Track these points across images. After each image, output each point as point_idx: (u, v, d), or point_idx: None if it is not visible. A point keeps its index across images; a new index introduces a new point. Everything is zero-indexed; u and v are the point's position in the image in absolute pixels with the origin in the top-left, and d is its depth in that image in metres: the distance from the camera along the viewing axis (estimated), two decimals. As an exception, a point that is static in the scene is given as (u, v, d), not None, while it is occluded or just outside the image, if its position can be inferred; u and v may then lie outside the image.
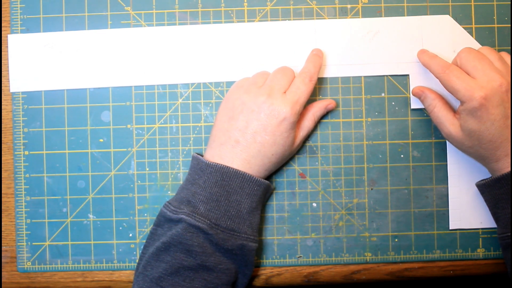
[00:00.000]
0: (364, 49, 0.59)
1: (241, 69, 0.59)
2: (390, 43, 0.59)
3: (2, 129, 0.60)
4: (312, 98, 0.59)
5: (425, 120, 0.59)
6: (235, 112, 0.54)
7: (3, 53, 0.60)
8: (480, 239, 0.59)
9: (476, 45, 0.58)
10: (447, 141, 0.59)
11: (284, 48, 0.59)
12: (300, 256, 0.59)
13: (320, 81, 0.59)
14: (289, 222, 0.59)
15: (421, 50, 0.58)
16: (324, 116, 0.59)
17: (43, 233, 0.59)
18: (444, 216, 0.59)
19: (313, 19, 0.60)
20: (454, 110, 0.56)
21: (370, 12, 0.60)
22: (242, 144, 0.53)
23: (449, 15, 0.59)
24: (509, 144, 0.52)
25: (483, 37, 0.59)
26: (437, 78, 0.55)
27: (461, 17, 0.59)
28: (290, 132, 0.54)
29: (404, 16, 0.59)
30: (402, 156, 0.59)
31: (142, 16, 0.60)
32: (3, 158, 0.60)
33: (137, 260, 0.59)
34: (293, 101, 0.54)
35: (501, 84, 0.51)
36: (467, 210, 0.59)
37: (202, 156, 0.56)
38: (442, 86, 0.54)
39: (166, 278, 0.51)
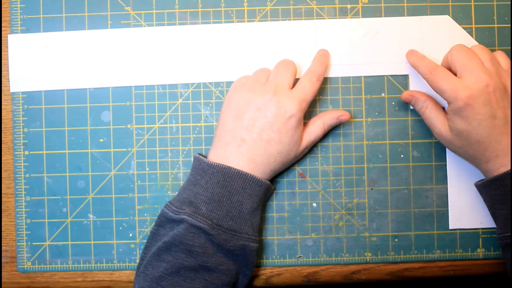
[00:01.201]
0: (364, 49, 0.59)
1: (241, 69, 0.59)
2: (390, 43, 0.59)
3: (2, 129, 0.60)
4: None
5: (425, 120, 0.59)
6: (240, 111, 0.54)
7: (3, 53, 0.60)
8: (480, 239, 0.59)
9: (471, 46, 0.58)
10: (444, 141, 0.59)
11: (284, 48, 0.59)
12: (300, 256, 0.59)
13: (320, 81, 0.59)
14: (289, 222, 0.59)
15: (410, 50, 0.58)
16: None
17: (43, 233, 0.59)
18: (444, 216, 0.59)
19: (313, 19, 0.60)
20: (445, 111, 0.56)
21: (370, 12, 0.60)
22: (248, 143, 0.53)
23: (449, 15, 0.59)
24: (498, 144, 0.52)
25: (483, 37, 0.59)
26: (424, 79, 0.55)
27: (461, 17, 0.59)
28: (295, 130, 0.54)
29: (404, 16, 0.59)
30: (402, 156, 0.59)
31: (142, 16, 0.60)
32: (3, 158, 0.60)
33: (137, 261, 0.59)
34: (300, 99, 0.54)
35: (487, 84, 0.51)
36: (467, 210, 0.59)
37: (204, 156, 0.56)
38: (429, 87, 0.55)
39: (167, 278, 0.51)
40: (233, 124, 0.54)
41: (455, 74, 0.53)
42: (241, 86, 0.56)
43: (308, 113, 0.59)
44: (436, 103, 0.56)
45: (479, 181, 0.56)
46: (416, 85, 0.59)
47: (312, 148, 0.59)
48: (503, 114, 0.52)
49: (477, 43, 0.58)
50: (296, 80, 0.57)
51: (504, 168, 0.52)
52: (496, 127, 0.51)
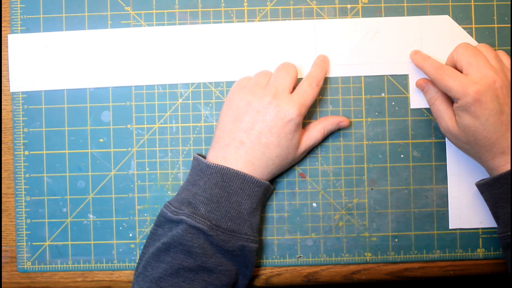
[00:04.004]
0: (364, 49, 0.59)
1: (241, 69, 0.59)
2: (390, 43, 0.59)
3: (2, 129, 0.60)
4: (312, 98, 0.59)
5: (425, 120, 0.59)
6: (239, 113, 0.54)
7: (3, 53, 0.60)
8: (480, 239, 0.59)
9: (475, 44, 0.58)
10: (446, 140, 0.59)
11: (284, 48, 0.59)
12: (300, 256, 0.59)
13: (320, 81, 0.59)
14: (289, 222, 0.59)
15: (414, 51, 0.59)
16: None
17: (43, 233, 0.59)
18: (444, 216, 0.59)
19: (313, 19, 0.60)
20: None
21: (370, 12, 0.60)
22: (247, 145, 0.53)
23: (449, 15, 0.59)
24: (505, 140, 0.52)
25: (483, 37, 0.59)
26: (431, 78, 0.56)
27: (461, 17, 0.59)
28: (294, 134, 0.54)
29: (404, 16, 0.59)
30: (402, 156, 0.59)
31: (142, 16, 0.60)
32: (3, 158, 0.60)
33: (137, 260, 0.59)
34: (300, 103, 0.54)
35: (494, 81, 0.52)
36: (467, 210, 0.59)
37: (203, 157, 0.56)
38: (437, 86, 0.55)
39: (166, 279, 0.51)
40: (232, 126, 0.54)
41: (461, 72, 0.54)
42: (242, 88, 0.56)
43: (308, 114, 0.59)
44: (447, 97, 0.56)
45: (480, 180, 0.56)
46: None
47: (312, 148, 0.59)
48: (509, 110, 0.52)
49: (477, 43, 0.58)
50: (297, 82, 0.57)
51: (510, 165, 0.52)
52: (503, 123, 0.52)
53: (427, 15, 0.59)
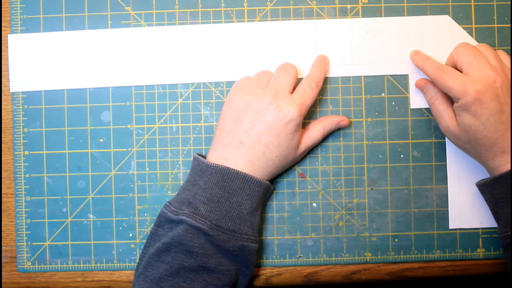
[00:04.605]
0: (364, 49, 0.59)
1: (241, 69, 0.59)
2: (390, 43, 0.59)
3: (2, 129, 0.60)
4: (312, 98, 0.59)
5: (425, 120, 0.59)
6: (239, 114, 0.54)
7: (3, 53, 0.60)
8: (480, 239, 0.59)
9: (475, 44, 0.58)
10: (446, 140, 0.59)
11: (284, 48, 0.59)
12: (300, 256, 0.59)
13: (320, 81, 0.59)
14: (289, 222, 0.59)
15: (414, 51, 0.59)
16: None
17: (43, 233, 0.59)
18: (444, 216, 0.59)
19: (313, 19, 0.60)
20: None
21: (370, 12, 0.60)
22: (247, 146, 0.53)
23: (449, 15, 0.59)
24: (505, 140, 0.52)
25: (483, 37, 0.59)
26: (431, 79, 0.56)
27: (461, 17, 0.59)
28: (294, 134, 0.54)
29: (404, 16, 0.59)
30: (402, 156, 0.59)
31: (142, 16, 0.60)
32: (3, 158, 0.60)
33: (137, 260, 0.59)
34: (300, 104, 0.54)
35: (494, 80, 0.52)
36: (467, 210, 0.59)
37: (204, 157, 0.56)
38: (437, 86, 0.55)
39: (167, 279, 0.51)
40: (232, 126, 0.54)
41: (461, 72, 0.54)
42: (242, 88, 0.56)
43: (308, 114, 0.59)
44: (447, 96, 0.56)
45: (480, 180, 0.56)
46: (416, 85, 0.59)
47: (312, 148, 0.59)
48: (509, 109, 0.52)
49: (477, 43, 0.58)
50: (297, 82, 0.57)
51: (510, 165, 0.52)
52: (503, 122, 0.52)
53: (427, 15, 0.59)
